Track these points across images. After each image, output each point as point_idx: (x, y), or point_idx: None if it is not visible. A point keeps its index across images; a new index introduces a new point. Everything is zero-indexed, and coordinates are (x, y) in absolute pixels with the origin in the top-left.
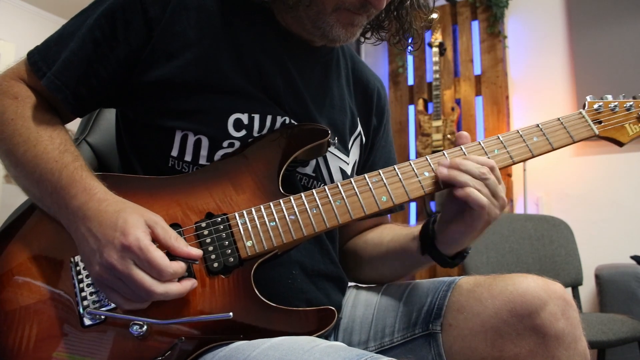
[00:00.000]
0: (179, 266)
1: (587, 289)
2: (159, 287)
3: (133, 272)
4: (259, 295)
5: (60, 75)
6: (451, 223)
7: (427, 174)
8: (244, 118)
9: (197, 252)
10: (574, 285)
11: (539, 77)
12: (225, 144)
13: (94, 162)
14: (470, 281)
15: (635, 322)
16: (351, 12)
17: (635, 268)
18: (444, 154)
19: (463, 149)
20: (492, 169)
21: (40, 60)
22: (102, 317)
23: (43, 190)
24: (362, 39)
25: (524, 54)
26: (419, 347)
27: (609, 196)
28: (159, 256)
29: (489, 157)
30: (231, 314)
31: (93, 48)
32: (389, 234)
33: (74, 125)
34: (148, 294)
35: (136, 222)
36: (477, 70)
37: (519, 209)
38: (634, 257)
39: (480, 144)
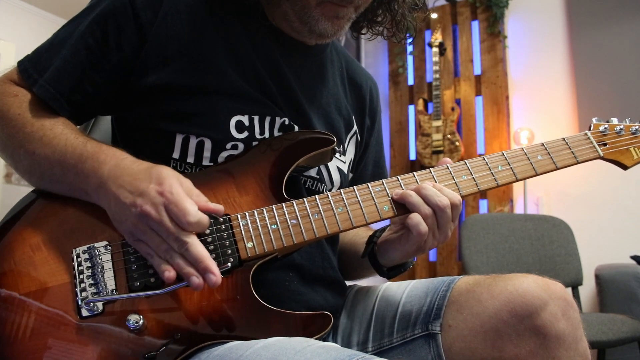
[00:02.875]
0: (203, 216)
1: (587, 289)
2: (185, 237)
3: (164, 219)
4: (257, 297)
5: (53, 82)
6: (390, 235)
7: None
8: (245, 120)
9: (216, 206)
10: (574, 285)
11: (539, 77)
12: (228, 145)
13: None
14: (470, 281)
15: (635, 322)
16: (335, 4)
17: (635, 268)
18: (447, 167)
19: (467, 163)
20: (453, 206)
21: (30, 67)
22: (100, 309)
23: (65, 166)
24: (356, 35)
25: (524, 54)
26: (419, 347)
27: (609, 196)
28: (188, 202)
29: (492, 172)
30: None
31: (86, 55)
32: (351, 233)
33: None
34: (175, 239)
35: (171, 173)
36: (477, 70)
37: (519, 209)
38: (634, 257)
39: (484, 159)
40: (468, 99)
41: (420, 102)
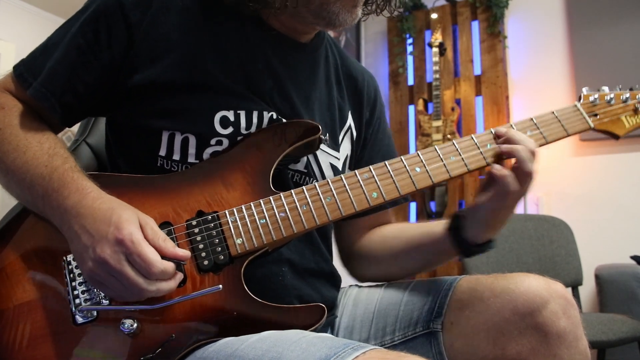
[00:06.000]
0: (168, 265)
1: (587, 289)
2: (148, 286)
3: (125, 269)
4: (249, 292)
5: (46, 83)
6: (479, 201)
7: (418, 169)
8: (230, 115)
9: (184, 252)
10: (574, 285)
11: (539, 77)
12: (213, 141)
13: (93, 163)
14: (472, 280)
15: (635, 322)
16: None
17: (635, 268)
18: (435, 150)
19: (455, 144)
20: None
21: (25, 72)
22: (94, 314)
23: (35, 195)
24: None
25: (524, 54)
26: (420, 345)
27: (609, 196)
28: (150, 251)
29: (481, 151)
30: (220, 286)
31: (77, 55)
32: (411, 227)
33: (75, 126)
34: (140, 291)
35: (130, 217)
36: (477, 71)
37: (519, 209)
38: (634, 257)
39: (472, 138)
40: (468, 99)
41: (420, 102)
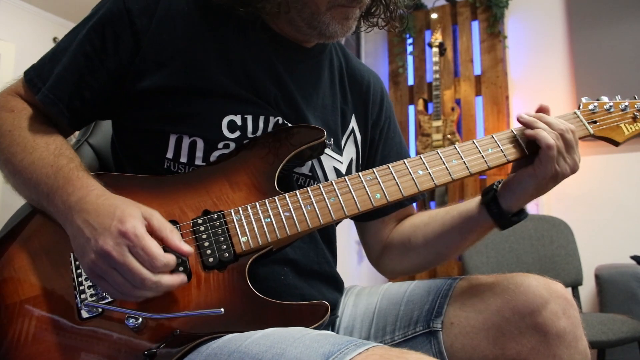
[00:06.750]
0: (171, 258)
1: (587, 289)
2: (151, 277)
3: (128, 260)
4: (253, 289)
5: (54, 89)
6: (519, 169)
7: (420, 172)
8: (237, 119)
9: (188, 248)
10: (574, 285)
11: (539, 77)
12: (220, 145)
13: (95, 164)
14: (472, 280)
15: (635, 322)
16: (344, 6)
17: (635, 268)
18: (437, 153)
19: (457, 148)
20: (572, 131)
21: (35, 77)
22: (100, 309)
23: (40, 193)
24: (353, 30)
25: (524, 54)
26: (420, 344)
27: (609, 196)
28: (154, 245)
29: (482, 155)
30: (222, 310)
31: (84, 61)
32: (439, 211)
33: None
34: (141, 282)
35: (133, 212)
36: (477, 71)
37: None
38: (634, 257)
39: (473, 142)
40: (468, 99)
41: (420, 102)
